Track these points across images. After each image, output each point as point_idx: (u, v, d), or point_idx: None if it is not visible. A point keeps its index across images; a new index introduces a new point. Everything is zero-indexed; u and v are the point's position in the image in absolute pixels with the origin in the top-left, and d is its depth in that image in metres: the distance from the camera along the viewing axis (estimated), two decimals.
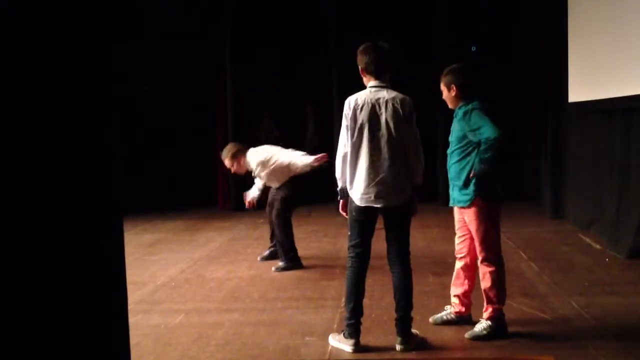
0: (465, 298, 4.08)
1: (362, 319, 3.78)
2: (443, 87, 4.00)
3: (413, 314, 3.76)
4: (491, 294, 3.86)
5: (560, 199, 8.02)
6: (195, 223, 8.80)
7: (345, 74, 7.62)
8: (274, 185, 5.92)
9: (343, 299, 4.26)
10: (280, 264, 5.81)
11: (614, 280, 5.05)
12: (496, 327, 3.83)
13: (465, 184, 3.84)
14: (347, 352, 3.69)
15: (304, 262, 5.93)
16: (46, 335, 1.54)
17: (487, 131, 3.71)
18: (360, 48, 3.76)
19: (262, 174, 5.87)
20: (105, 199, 1.68)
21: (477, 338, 3.81)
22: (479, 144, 3.76)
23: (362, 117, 3.65)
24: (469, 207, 3.85)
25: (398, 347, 3.70)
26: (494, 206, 3.87)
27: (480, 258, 3.89)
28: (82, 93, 1.60)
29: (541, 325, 4.06)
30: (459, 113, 3.90)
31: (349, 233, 3.81)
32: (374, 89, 3.70)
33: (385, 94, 3.68)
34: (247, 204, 6.30)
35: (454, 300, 4.12)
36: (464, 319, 4.06)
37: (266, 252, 6.25)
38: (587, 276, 5.19)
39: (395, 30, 9.44)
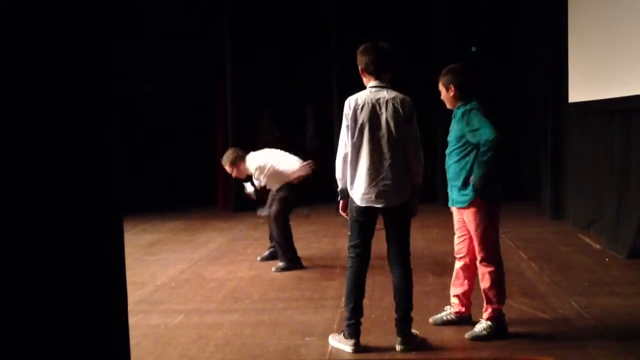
0: (465, 298, 4.08)
1: (362, 319, 3.78)
2: (441, 87, 4.00)
3: (413, 314, 3.76)
4: (490, 294, 3.86)
5: (560, 199, 8.02)
6: (195, 223, 8.79)
7: (345, 74, 7.62)
8: (274, 187, 5.93)
9: (343, 299, 4.26)
10: (280, 264, 5.81)
11: (614, 281, 5.05)
12: (496, 327, 3.83)
13: (465, 184, 3.84)
14: (347, 352, 3.69)
15: (304, 262, 5.93)
16: (46, 335, 1.53)
17: (485, 133, 3.71)
18: (360, 48, 3.76)
19: (261, 177, 5.93)
20: (105, 199, 1.68)
21: (477, 338, 3.81)
22: (477, 144, 3.76)
23: (363, 117, 3.65)
24: (468, 207, 3.85)
25: (398, 348, 3.70)
26: (493, 206, 3.87)
27: (479, 258, 3.89)
28: (82, 93, 1.60)
29: (541, 326, 4.06)
30: (458, 113, 3.90)
31: (349, 233, 3.81)
32: (374, 89, 3.70)
33: (385, 94, 3.68)
34: (246, 195, 6.37)
35: (454, 300, 4.12)
36: (464, 319, 4.06)
37: (266, 253, 6.25)
38: (587, 276, 5.19)
39: (395, 30, 9.44)
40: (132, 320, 3.74)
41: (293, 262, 5.82)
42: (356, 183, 3.69)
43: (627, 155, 5.95)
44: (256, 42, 9.95)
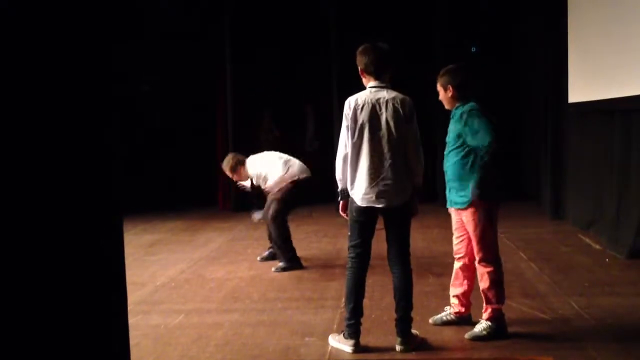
0: (464, 298, 4.08)
1: (362, 320, 3.78)
2: (439, 88, 4.00)
3: (413, 314, 3.76)
4: (490, 294, 3.86)
5: (560, 199, 8.02)
6: (195, 223, 8.79)
7: (345, 74, 7.61)
8: (274, 190, 5.93)
9: (343, 300, 4.25)
10: (280, 264, 5.81)
11: (614, 281, 5.04)
12: (496, 327, 3.83)
13: (463, 185, 3.83)
14: (347, 352, 3.69)
15: (304, 263, 5.93)
16: (46, 335, 1.53)
17: (483, 137, 3.72)
18: (360, 49, 3.75)
19: (260, 181, 5.97)
20: (105, 199, 1.68)
21: (477, 338, 3.81)
22: (475, 147, 3.77)
23: (363, 117, 3.65)
24: (466, 207, 3.85)
25: (398, 348, 3.70)
26: (492, 206, 3.86)
27: (477, 258, 3.89)
28: (82, 93, 1.60)
29: (541, 326, 4.06)
30: (456, 114, 3.90)
31: (349, 233, 3.81)
32: (374, 89, 3.70)
33: (385, 94, 3.68)
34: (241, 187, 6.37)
35: (454, 300, 4.12)
36: (464, 320, 4.06)
37: (266, 253, 6.25)
38: (587, 276, 5.19)
39: (395, 30, 9.45)
40: (132, 320, 3.74)
41: (292, 261, 5.82)
42: (356, 183, 3.69)
43: (627, 155, 5.95)
44: (256, 42, 9.95)
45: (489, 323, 3.83)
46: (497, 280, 3.87)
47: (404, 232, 3.77)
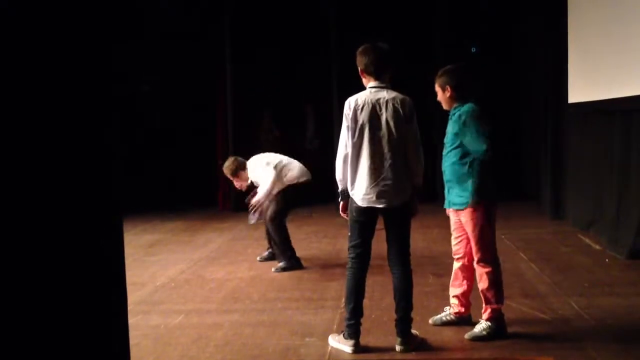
0: (464, 298, 4.08)
1: (362, 320, 3.78)
2: (438, 89, 4.00)
3: (413, 314, 3.76)
4: (489, 295, 3.86)
5: (560, 199, 8.02)
6: (195, 224, 8.79)
7: (345, 74, 7.61)
8: (273, 192, 5.93)
9: (343, 300, 4.25)
10: (280, 264, 5.81)
11: (614, 281, 5.04)
12: (496, 327, 3.83)
13: (462, 186, 3.83)
14: (347, 352, 3.69)
15: (304, 263, 5.93)
16: (46, 335, 1.53)
17: (478, 144, 3.72)
18: (360, 49, 3.75)
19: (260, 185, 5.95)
20: (105, 199, 1.68)
21: (477, 339, 3.81)
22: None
23: (363, 117, 3.64)
24: (464, 208, 3.84)
25: (398, 348, 3.70)
26: (490, 206, 3.86)
27: (476, 259, 3.89)
28: (82, 93, 1.60)
29: (541, 326, 4.06)
30: (454, 115, 3.90)
31: (350, 234, 3.81)
32: (374, 90, 3.70)
33: (385, 94, 3.68)
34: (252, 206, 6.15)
35: (453, 301, 4.12)
36: (464, 320, 4.06)
37: (265, 253, 6.25)
38: (587, 277, 5.19)
39: (395, 30, 9.44)
40: (132, 320, 3.75)
41: (292, 261, 5.81)
42: (357, 183, 3.69)
43: (627, 155, 5.95)
44: (256, 42, 9.95)
45: (489, 323, 3.83)
46: (495, 281, 3.87)
47: (404, 232, 3.77)
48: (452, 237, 4.09)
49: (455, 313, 4.10)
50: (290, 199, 5.89)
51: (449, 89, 3.91)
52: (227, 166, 6.09)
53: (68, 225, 1.57)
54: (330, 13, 9.61)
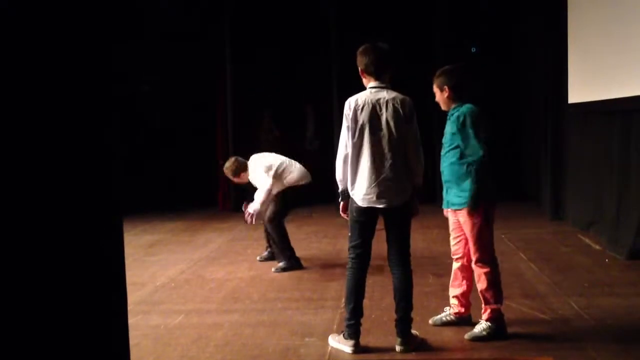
0: (464, 299, 4.08)
1: (362, 320, 3.78)
2: (436, 89, 3.99)
3: (413, 314, 3.76)
4: (488, 295, 3.86)
5: (560, 199, 8.01)
6: (195, 224, 8.79)
7: (345, 74, 7.61)
8: (274, 192, 5.93)
9: (343, 300, 4.25)
10: (280, 264, 5.82)
11: (614, 281, 5.04)
12: (495, 327, 3.83)
13: (460, 187, 3.82)
14: (347, 352, 3.69)
15: (304, 263, 5.93)
16: (46, 335, 1.53)
17: (475, 149, 3.72)
18: (360, 49, 3.75)
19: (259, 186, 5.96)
20: (105, 199, 1.68)
21: (477, 339, 3.81)
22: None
23: (363, 117, 3.64)
24: (463, 208, 3.84)
25: (398, 348, 3.69)
26: (488, 206, 3.86)
27: (474, 259, 3.89)
28: (82, 93, 1.60)
29: (541, 326, 4.05)
30: (453, 115, 3.89)
31: (350, 234, 3.81)
32: (374, 90, 3.70)
33: (385, 95, 3.68)
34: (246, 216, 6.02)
35: (453, 301, 4.12)
36: (464, 320, 4.06)
37: (265, 253, 6.26)
38: (587, 277, 5.19)
39: (395, 30, 9.44)
40: (132, 320, 3.75)
41: (292, 261, 5.81)
42: (357, 184, 3.69)
43: (627, 155, 5.95)
44: (256, 42, 9.95)
45: (489, 323, 3.83)
46: (494, 281, 3.86)
47: (404, 233, 3.77)
48: (451, 238, 4.09)
49: (455, 313, 4.10)
50: (289, 200, 5.90)
51: (447, 89, 3.91)
52: (228, 167, 6.10)
53: (68, 225, 1.57)
54: (330, 13, 9.61)
